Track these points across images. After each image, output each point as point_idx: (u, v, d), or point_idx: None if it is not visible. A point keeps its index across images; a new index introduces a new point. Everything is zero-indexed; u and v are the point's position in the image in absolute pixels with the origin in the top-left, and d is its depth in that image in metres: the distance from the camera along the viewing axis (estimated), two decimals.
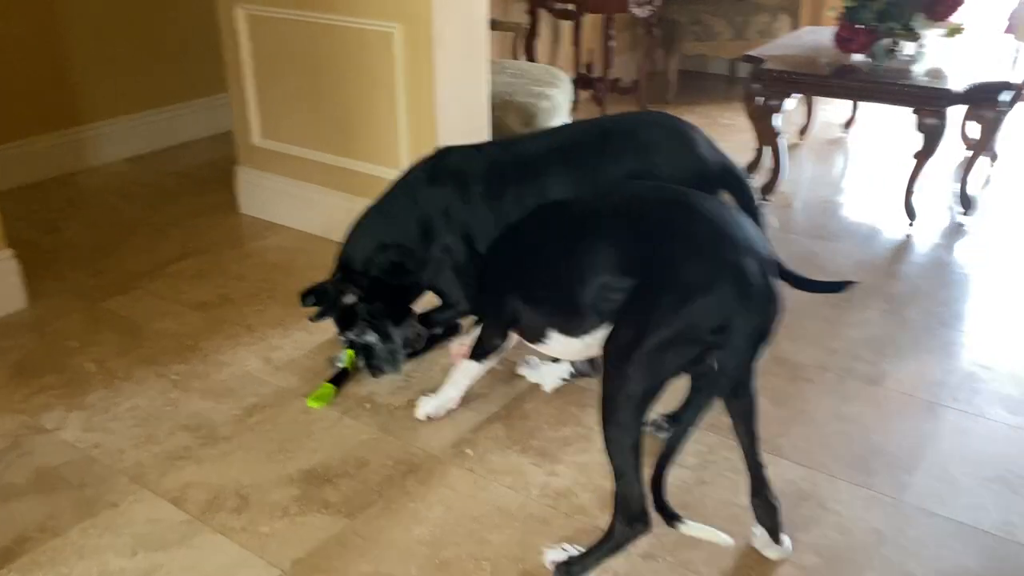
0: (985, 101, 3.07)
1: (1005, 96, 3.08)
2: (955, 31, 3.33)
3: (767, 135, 3.39)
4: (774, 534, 1.72)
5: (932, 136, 3.05)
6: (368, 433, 2.11)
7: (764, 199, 3.42)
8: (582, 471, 1.98)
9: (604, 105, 4.28)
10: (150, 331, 2.56)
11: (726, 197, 2.02)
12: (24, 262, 2.69)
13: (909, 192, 3.20)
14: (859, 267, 2.98)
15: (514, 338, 2.02)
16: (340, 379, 2.29)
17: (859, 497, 1.89)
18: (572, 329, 1.77)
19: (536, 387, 2.29)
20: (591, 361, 2.17)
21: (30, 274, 2.74)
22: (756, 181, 3.48)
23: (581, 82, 4.47)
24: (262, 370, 2.37)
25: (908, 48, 3.46)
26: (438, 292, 2.34)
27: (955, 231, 3.26)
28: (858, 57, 3.37)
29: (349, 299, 2.19)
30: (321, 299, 2.28)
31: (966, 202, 3.31)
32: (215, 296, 2.76)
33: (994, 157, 3.74)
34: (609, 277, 1.64)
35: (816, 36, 3.82)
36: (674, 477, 1.90)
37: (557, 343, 1.84)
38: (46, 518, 1.84)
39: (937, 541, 1.77)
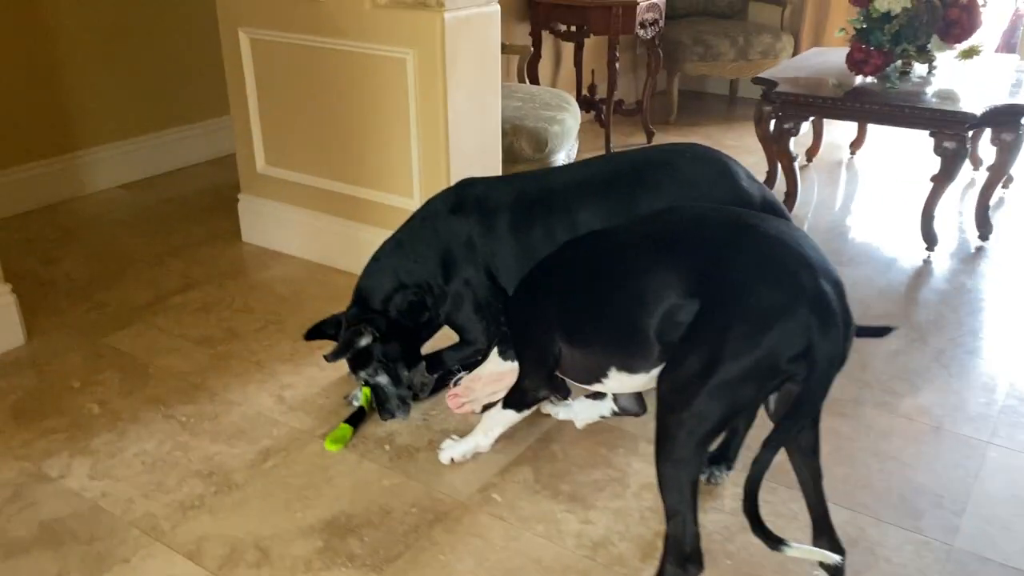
0: (1005, 124, 3.03)
1: None
2: (971, 53, 3.29)
3: (782, 159, 3.33)
4: None
5: (951, 160, 3.00)
6: (390, 478, 2.02)
7: None
8: (618, 518, 1.89)
9: (609, 128, 4.22)
10: (155, 369, 2.45)
11: None
12: (20, 296, 2.58)
13: (928, 217, 3.15)
14: (881, 294, 2.92)
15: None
16: (357, 419, 2.20)
17: (909, 542, 1.81)
18: (636, 365, 1.66)
19: (562, 426, 2.20)
20: (638, 398, 2.08)
21: (26, 308, 2.63)
22: None
23: (583, 104, 4.41)
24: (275, 410, 2.27)
25: (919, 69, 3.43)
26: (456, 328, 2.25)
27: (974, 256, 3.20)
28: (868, 79, 3.33)
29: (365, 340, 2.10)
30: (330, 332, 2.19)
31: (984, 226, 3.26)
32: (221, 330, 2.66)
33: (1009, 179, 3.70)
34: (676, 300, 1.52)
35: (825, 57, 3.78)
36: (714, 523, 1.83)
37: (617, 381, 1.74)
38: None
39: None
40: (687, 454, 1.48)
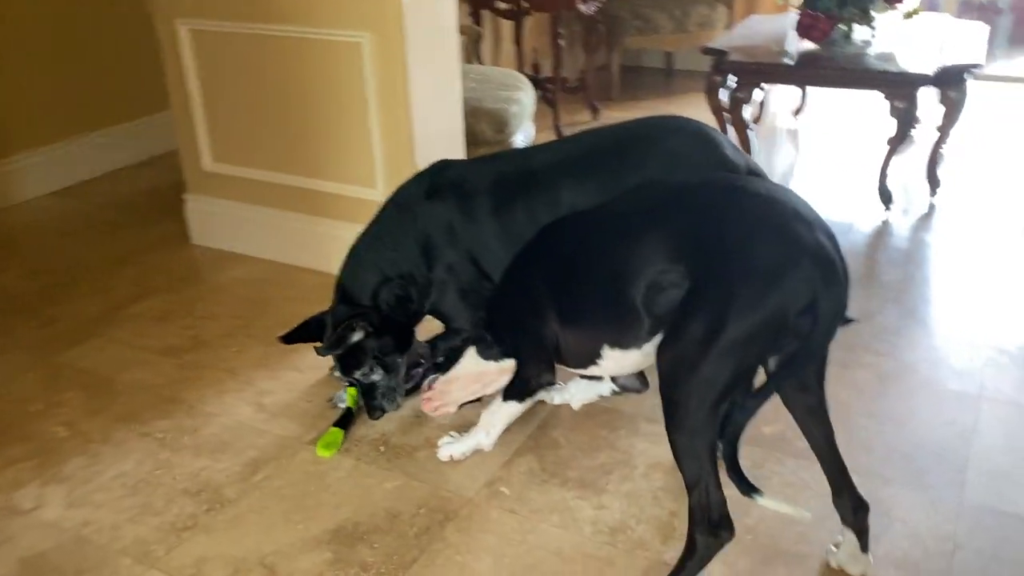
0: (951, 83, 3.09)
1: (968, 77, 3.11)
2: (912, 14, 3.34)
3: (737, 128, 3.33)
4: (863, 537, 1.62)
5: (905, 120, 3.05)
6: (391, 480, 1.94)
7: None
8: (631, 501, 1.85)
9: (557, 106, 4.16)
10: (121, 384, 2.31)
11: None
12: None
13: (883, 177, 3.19)
14: (846, 257, 2.93)
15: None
16: (346, 421, 2.11)
17: (920, 502, 1.82)
18: (627, 340, 1.64)
19: (558, 412, 2.15)
20: (639, 373, 2.04)
21: None
22: None
23: None
24: (256, 418, 2.17)
25: (861, 32, 3.46)
26: (441, 316, 2.18)
27: (928, 213, 3.27)
28: (814, 44, 3.35)
29: (357, 336, 2.01)
30: (314, 334, 2.09)
31: (934, 182, 3.32)
32: (186, 339, 2.53)
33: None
34: (663, 266, 1.51)
35: (768, 25, 3.79)
36: (728, 499, 1.80)
37: (612, 361, 1.71)
38: None
39: (1012, 541, 1.71)
40: (699, 422, 1.45)
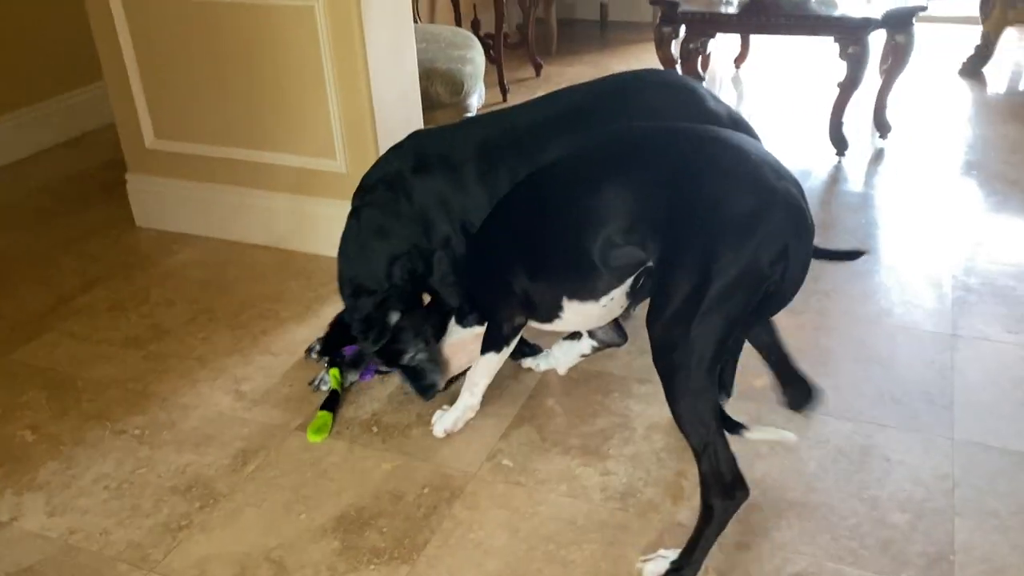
0: (898, 26, 3.12)
1: (915, 20, 3.15)
2: None
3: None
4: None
5: (856, 65, 3.08)
6: (389, 460, 1.89)
7: None
8: (635, 464, 1.84)
9: (501, 63, 4.08)
10: (84, 381, 2.19)
11: None
12: None
13: (836, 123, 3.23)
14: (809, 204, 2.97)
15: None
16: (333, 403, 2.04)
17: (916, 443, 1.86)
18: (585, 292, 1.67)
19: (547, 379, 2.13)
20: (616, 327, 2.03)
21: None
22: None
23: None
24: (236, 407, 2.08)
25: None
26: (433, 292, 2.11)
27: (878, 156, 3.32)
28: None
29: (395, 317, 1.93)
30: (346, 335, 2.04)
31: (883, 126, 3.38)
32: (145, 328, 2.40)
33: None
34: (623, 222, 1.53)
35: None
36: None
37: (573, 314, 1.73)
38: None
39: (1005, 474, 1.77)
40: (700, 383, 1.45)
